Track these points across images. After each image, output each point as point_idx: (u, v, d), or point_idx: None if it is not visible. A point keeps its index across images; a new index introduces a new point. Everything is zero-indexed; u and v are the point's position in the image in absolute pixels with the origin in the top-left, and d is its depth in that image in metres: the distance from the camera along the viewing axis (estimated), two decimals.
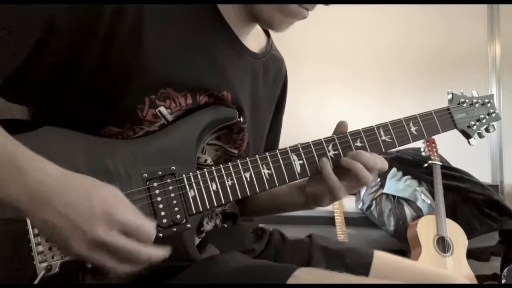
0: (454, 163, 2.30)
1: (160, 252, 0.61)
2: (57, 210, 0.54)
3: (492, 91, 2.90)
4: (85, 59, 0.65)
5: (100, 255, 0.56)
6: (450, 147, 1.99)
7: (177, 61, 0.70)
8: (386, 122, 0.82)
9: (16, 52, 0.61)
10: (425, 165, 2.14)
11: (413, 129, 0.83)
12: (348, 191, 0.79)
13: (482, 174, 2.56)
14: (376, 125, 0.81)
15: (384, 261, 0.87)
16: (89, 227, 0.54)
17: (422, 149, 2.12)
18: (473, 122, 0.90)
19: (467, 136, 0.91)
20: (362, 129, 0.80)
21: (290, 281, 0.63)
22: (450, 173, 2.20)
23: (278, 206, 0.96)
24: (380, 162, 0.77)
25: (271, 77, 0.92)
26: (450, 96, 0.91)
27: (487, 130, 0.93)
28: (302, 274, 0.64)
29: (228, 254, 0.76)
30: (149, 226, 0.59)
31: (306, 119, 2.74)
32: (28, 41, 0.61)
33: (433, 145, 2.15)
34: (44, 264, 0.60)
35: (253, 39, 0.85)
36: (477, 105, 0.92)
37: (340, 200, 2.17)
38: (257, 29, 0.86)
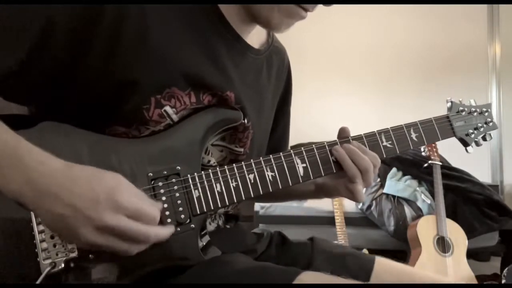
0: (454, 163, 2.31)
1: (167, 231, 0.64)
2: (63, 201, 0.55)
3: (492, 92, 2.90)
4: (87, 61, 0.65)
5: (110, 240, 0.58)
6: (450, 147, 1.99)
7: (180, 60, 0.70)
8: (388, 128, 0.84)
9: (12, 52, 0.61)
10: (425, 165, 2.15)
11: (413, 135, 0.85)
12: (346, 191, 0.81)
13: (482, 174, 2.56)
14: (377, 130, 0.83)
15: (385, 267, 0.87)
16: (95, 214, 0.55)
17: (422, 149, 2.12)
18: (471, 131, 0.93)
19: (465, 144, 0.93)
20: (364, 134, 0.82)
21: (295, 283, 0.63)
22: (450, 173, 2.21)
23: (288, 193, 0.97)
24: (374, 160, 0.79)
25: (275, 70, 0.92)
26: (449, 104, 0.93)
27: (484, 138, 0.95)
28: (306, 278, 0.64)
29: (231, 255, 0.76)
30: (151, 209, 0.61)
31: (305, 120, 2.74)
32: (25, 42, 0.61)
33: (433, 145, 2.16)
34: (48, 261, 0.61)
35: (255, 35, 0.85)
36: (475, 113, 0.94)
37: (340, 200, 2.19)
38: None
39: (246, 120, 0.80)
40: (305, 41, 2.67)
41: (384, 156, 0.82)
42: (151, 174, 0.68)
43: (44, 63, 0.64)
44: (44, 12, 0.61)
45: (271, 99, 0.93)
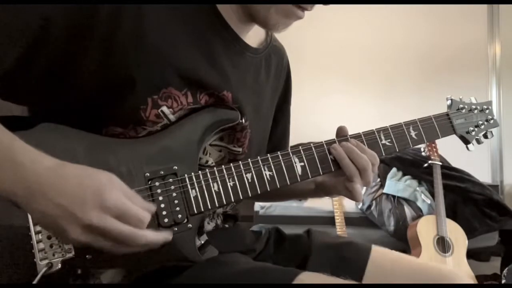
0: (454, 163, 2.30)
1: (159, 237, 0.61)
2: (52, 200, 0.55)
3: (492, 91, 2.90)
4: (84, 61, 0.65)
5: (96, 239, 0.57)
6: (450, 147, 1.99)
7: (176, 60, 0.70)
8: (387, 126, 0.83)
9: (6, 52, 0.61)
10: (425, 165, 2.14)
11: (413, 133, 0.85)
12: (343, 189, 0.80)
13: (482, 174, 2.56)
14: (376, 128, 0.83)
15: (382, 256, 0.88)
16: (82, 213, 0.55)
17: (422, 149, 2.12)
18: (471, 128, 0.92)
19: (466, 141, 0.93)
20: (362, 132, 0.81)
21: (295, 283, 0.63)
22: (450, 173, 2.20)
23: (288, 192, 0.97)
24: (373, 159, 0.79)
25: (273, 69, 0.92)
26: (449, 102, 0.93)
27: (485, 136, 0.95)
28: (305, 278, 0.64)
29: (230, 255, 0.76)
30: (139, 212, 0.59)
31: (304, 120, 2.73)
32: (22, 42, 0.61)
33: (433, 145, 2.15)
34: (45, 262, 0.61)
35: (253, 34, 0.85)
36: (475, 111, 0.94)
37: (340, 200, 2.19)
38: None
39: (243, 120, 0.80)
40: (304, 40, 2.67)
41: (383, 154, 0.82)
42: (148, 174, 0.68)
43: (41, 63, 0.63)
44: (41, 12, 0.61)
45: (269, 98, 0.93)
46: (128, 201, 0.59)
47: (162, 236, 0.62)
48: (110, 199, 0.56)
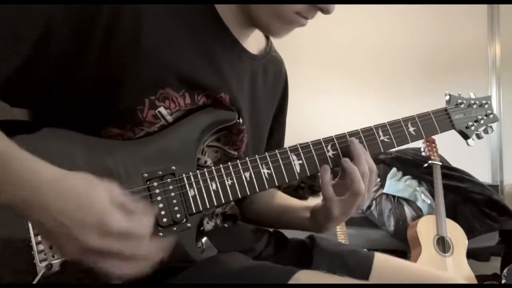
0: (454, 163, 2.30)
1: (163, 244, 0.58)
2: (52, 216, 0.53)
3: (492, 91, 2.90)
4: (83, 62, 0.65)
5: (98, 260, 0.55)
6: (450, 147, 1.99)
7: (174, 60, 0.70)
8: (385, 123, 0.83)
9: (12, 54, 0.61)
10: (425, 165, 2.14)
11: (411, 129, 0.84)
12: (342, 206, 0.79)
13: (482, 174, 2.56)
14: (374, 125, 0.82)
15: (385, 263, 0.87)
16: (83, 236, 0.53)
17: (422, 149, 2.12)
18: (471, 123, 0.91)
19: (466, 136, 0.92)
20: (360, 129, 0.81)
21: (291, 283, 0.63)
22: (450, 173, 2.20)
23: (282, 221, 0.95)
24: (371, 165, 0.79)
25: (271, 78, 0.92)
26: (447, 97, 0.92)
27: (485, 131, 0.94)
28: (302, 277, 0.64)
29: (229, 254, 0.76)
30: (141, 228, 0.56)
31: (303, 120, 2.73)
32: (26, 43, 0.61)
33: (433, 145, 2.15)
34: (45, 263, 0.60)
35: (253, 41, 0.85)
36: (474, 106, 0.93)
37: None
38: (257, 31, 0.87)
39: (241, 120, 0.80)
40: (304, 39, 2.67)
41: (382, 151, 0.82)
42: (146, 174, 0.68)
43: (45, 64, 0.64)
44: (44, 13, 0.61)
45: (266, 107, 0.92)
46: (130, 219, 0.56)
47: (166, 242, 0.59)
48: (112, 222, 0.54)
